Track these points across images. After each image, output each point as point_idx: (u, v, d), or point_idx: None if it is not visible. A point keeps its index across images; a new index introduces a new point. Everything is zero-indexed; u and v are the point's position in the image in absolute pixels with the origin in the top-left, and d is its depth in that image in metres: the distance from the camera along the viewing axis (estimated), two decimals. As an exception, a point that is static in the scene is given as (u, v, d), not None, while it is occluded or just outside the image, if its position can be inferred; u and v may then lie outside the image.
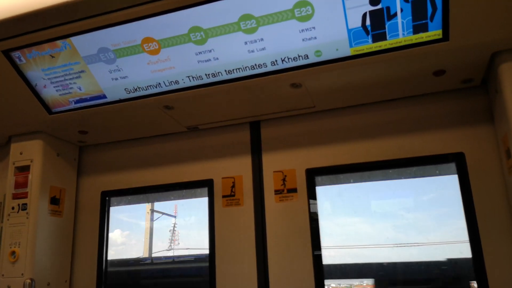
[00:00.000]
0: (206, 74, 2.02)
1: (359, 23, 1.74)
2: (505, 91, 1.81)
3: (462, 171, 2.09)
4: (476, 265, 1.98)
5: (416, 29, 1.73)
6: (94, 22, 1.87)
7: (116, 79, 2.10)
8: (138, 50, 1.95)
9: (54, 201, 2.57)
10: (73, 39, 1.95)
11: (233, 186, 2.50)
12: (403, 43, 1.76)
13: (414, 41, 1.76)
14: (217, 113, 2.41)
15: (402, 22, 1.72)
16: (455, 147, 2.13)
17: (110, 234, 2.79)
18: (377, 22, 1.73)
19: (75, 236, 2.72)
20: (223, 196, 2.50)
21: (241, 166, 2.52)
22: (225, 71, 1.99)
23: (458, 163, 2.11)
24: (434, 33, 1.72)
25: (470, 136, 2.12)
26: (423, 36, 1.74)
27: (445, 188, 2.39)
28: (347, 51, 1.84)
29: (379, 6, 1.68)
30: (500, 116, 1.95)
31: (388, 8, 1.69)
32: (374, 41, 1.78)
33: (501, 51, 1.82)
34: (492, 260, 1.96)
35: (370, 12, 1.70)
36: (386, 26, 1.73)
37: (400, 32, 1.74)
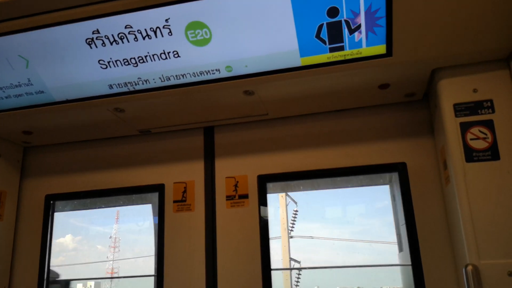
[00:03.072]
0: (158, 78, 2.00)
1: (312, 34, 1.80)
2: (442, 106, 1.92)
3: (404, 181, 2.19)
4: (414, 270, 2.08)
5: (365, 43, 1.80)
6: (42, 19, 1.81)
7: (64, 77, 2.03)
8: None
9: (-6, 204, 2.44)
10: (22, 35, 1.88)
11: (184, 191, 2.48)
12: (349, 57, 1.84)
13: (361, 55, 1.84)
14: (171, 117, 2.39)
15: (353, 36, 1.79)
16: (398, 157, 2.23)
17: (61, 240, 2.69)
18: (331, 34, 1.79)
19: (16, 241, 2.59)
20: (174, 201, 2.48)
21: (194, 171, 2.50)
22: (175, 76, 1.98)
23: (401, 172, 2.21)
24: (379, 48, 1.81)
25: (412, 147, 2.23)
26: (369, 51, 1.82)
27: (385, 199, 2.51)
28: (298, 62, 1.89)
29: (335, 19, 1.74)
30: (438, 129, 2.07)
31: (339, 22, 1.75)
32: (330, 51, 1.83)
33: (441, 68, 1.94)
34: (429, 266, 2.06)
35: (327, 24, 1.76)
36: (344, 39, 1.79)
37: (347, 45, 1.82)
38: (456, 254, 1.99)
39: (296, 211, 3.35)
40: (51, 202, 2.64)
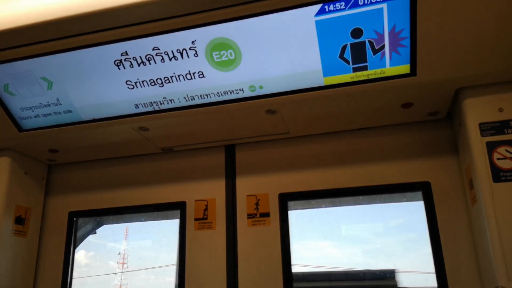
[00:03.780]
0: (183, 97, 2.04)
1: (335, 55, 1.82)
2: (468, 125, 1.91)
3: (428, 200, 2.17)
4: (441, 292, 2.04)
5: (389, 63, 1.82)
6: (72, 42, 1.87)
7: (92, 97, 2.09)
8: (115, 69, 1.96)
9: (19, 220, 2.48)
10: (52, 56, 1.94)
11: (205, 209, 2.49)
12: (372, 76, 1.85)
13: (384, 75, 1.85)
14: (193, 136, 2.42)
15: (377, 56, 1.80)
16: (421, 176, 2.21)
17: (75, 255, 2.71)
18: (354, 54, 1.81)
19: (39, 258, 2.62)
20: (195, 219, 2.48)
21: (215, 189, 2.51)
22: (199, 95, 2.01)
23: (424, 191, 2.19)
24: (403, 67, 1.82)
25: (435, 166, 2.21)
26: (393, 70, 1.83)
27: (413, 214, 2.47)
28: (321, 81, 1.91)
29: (359, 40, 1.76)
30: (463, 148, 2.05)
31: (363, 43, 1.77)
32: (353, 71, 1.85)
33: (465, 88, 1.94)
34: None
35: (351, 44, 1.78)
36: (367, 59, 1.80)
37: (371, 65, 1.83)
38: (484, 276, 1.94)
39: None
40: (74, 219, 2.68)
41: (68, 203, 2.70)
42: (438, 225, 2.11)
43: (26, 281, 2.52)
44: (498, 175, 1.83)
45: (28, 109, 2.19)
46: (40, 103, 2.16)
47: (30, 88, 2.09)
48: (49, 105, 2.16)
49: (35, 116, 2.22)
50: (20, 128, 2.27)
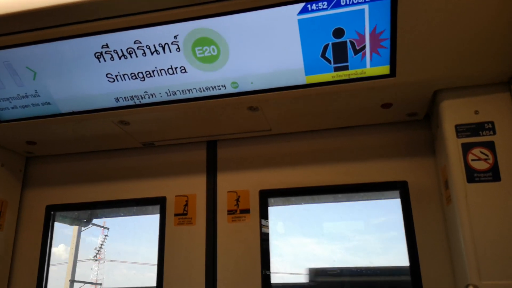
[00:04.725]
0: (165, 92, 2.03)
1: (317, 54, 1.83)
2: (444, 127, 1.95)
3: (405, 199, 2.21)
4: (415, 289, 2.09)
5: (369, 64, 1.84)
6: (53, 33, 1.84)
7: (71, 90, 2.06)
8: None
9: (-6, 213, 2.43)
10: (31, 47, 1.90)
11: (186, 205, 2.49)
12: (353, 76, 1.87)
13: (365, 75, 1.87)
14: (174, 131, 2.41)
15: (357, 56, 1.83)
16: (399, 176, 2.25)
17: (53, 249, 2.67)
18: (336, 54, 1.83)
19: (14, 251, 2.58)
20: (176, 215, 2.48)
21: (196, 185, 2.51)
22: (181, 90, 2.00)
23: (402, 191, 2.23)
24: (383, 68, 1.84)
25: (413, 166, 2.25)
26: (373, 71, 1.86)
27: (390, 212, 2.51)
28: (303, 80, 1.92)
29: (340, 40, 1.78)
30: (440, 149, 2.09)
31: (344, 42, 1.79)
32: (334, 70, 1.87)
33: (442, 90, 1.98)
34: (430, 285, 2.07)
35: (332, 44, 1.79)
36: (348, 59, 1.82)
37: (352, 65, 1.85)
38: (457, 274, 1.99)
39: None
40: (52, 212, 2.64)
41: (45, 197, 2.66)
42: (414, 223, 2.16)
43: (1, 274, 2.47)
44: (472, 176, 1.87)
45: (5, 100, 2.14)
46: (18, 95, 2.11)
47: (8, 79, 2.04)
48: (27, 97, 2.12)
49: (13, 108, 2.17)
50: (-4, 119, 2.22)
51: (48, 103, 2.13)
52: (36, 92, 2.09)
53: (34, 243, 2.58)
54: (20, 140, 2.45)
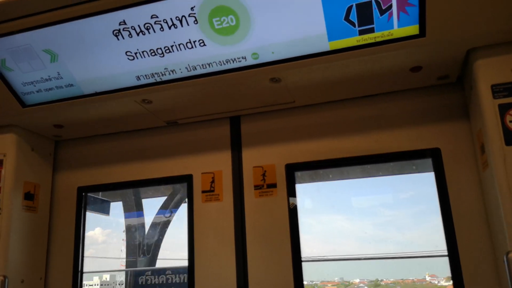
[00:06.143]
0: (185, 68, 2.00)
1: (341, 17, 1.74)
2: (479, 88, 1.84)
3: (438, 167, 2.12)
4: (451, 261, 2.01)
5: (396, 24, 1.74)
6: (69, 12, 1.83)
7: (92, 70, 2.06)
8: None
9: (29, 196, 2.50)
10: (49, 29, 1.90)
11: (212, 182, 2.48)
12: (379, 39, 1.77)
13: (392, 37, 1.77)
14: (197, 108, 2.39)
15: (384, 17, 1.72)
16: (431, 143, 2.15)
17: (91, 232, 2.74)
18: (360, 15, 1.73)
19: (50, 233, 2.66)
20: (203, 192, 2.48)
21: (221, 161, 2.50)
22: (201, 65, 1.96)
23: (434, 158, 2.14)
24: (412, 28, 1.74)
25: (446, 132, 2.15)
26: (401, 32, 1.75)
27: (423, 185, 2.43)
28: (326, 46, 1.84)
29: (365, 0, 1.68)
30: (474, 112, 1.98)
31: (369, 3, 1.69)
32: (359, 34, 1.77)
33: (476, 48, 1.85)
34: (467, 256, 1.99)
35: (356, 5, 1.70)
36: (374, 20, 1.72)
37: (378, 27, 1.75)
38: (496, 242, 1.91)
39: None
40: (83, 194, 2.70)
41: (76, 178, 2.71)
42: (448, 192, 2.07)
43: (39, 256, 2.56)
44: (510, 138, 1.76)
45: (30, 84, 2.17)
46: (41, 78, 2.13)
47: (30, 62, 2.06)
48: (50, 79, 2.13)
49: (37, 91, 2.20)
50: (23, 104, 2.26)
51: (71, 85, 2.14)
52: (59, 74, 2.10)
53: (68, 223, 2.65)
54: (48, 124, 2.49)
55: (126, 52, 1.97)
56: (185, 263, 2.43)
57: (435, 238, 2.18)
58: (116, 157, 2.68)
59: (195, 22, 1.82)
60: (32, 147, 2.57)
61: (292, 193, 2.35)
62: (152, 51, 1.95)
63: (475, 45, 1.84)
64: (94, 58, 2.01)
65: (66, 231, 2.65)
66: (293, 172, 2.38)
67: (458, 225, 2.03)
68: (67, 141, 2.79)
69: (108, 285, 3.59)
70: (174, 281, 3.02)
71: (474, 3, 1.63)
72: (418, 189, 2.56)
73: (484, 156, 1.89)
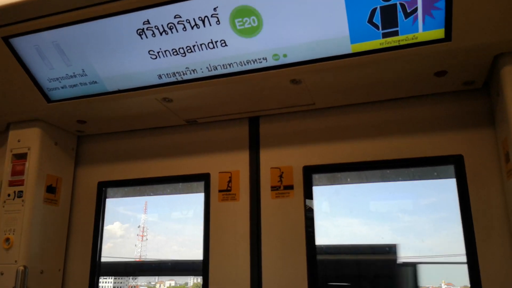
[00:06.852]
0: (206, 67, 2.01)
1: (364, 19, 1.72)
2: (506, 94, 1.79)
3: (460, 174, 2.07)
4: (470, 269, 1.97)
5: (421, 27, 1.71)
6: (95, 11, 1.86)
7: (116, 68, 2.09)
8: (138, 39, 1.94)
9: (50, 189, 2.57)
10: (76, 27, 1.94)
11: (229, 181, 2.49)
12: (403, 42, 1.74)
13: (417, 40, 1.74)
14: (217, 107, 2.40)
15: (409, 20, 1.70)
16: (454, 149, 2.11)
17: (109, 227, 2.79)
18: (385, 18, 1.71)
19: (70, 225, 2.72)
20: (220, 191, 2.49)
21: (239, 161, 2.50)
22: (222, 65, 1.97)
23: (457, 165, 2.09)
24: (437, 32, 1.70)
25: (469, 138, 2.10)
26: (426, 35, 1.72)
27: (443, 192, 2.37)
28: (348, 48, 1.82)
29: (389, 2, 1.65)
30: (500, 119, 1.93)
31: (394, 5, 1.67)
32: (383, 37, 1.75)
33: (504, 54, 1.80)
34: (487, 265, 1.94)
35: (381, 8, 1.67)
36: (399, 23, 1.70)
37: (402, 30, 1.72)
38: (518, 253, 1.86)
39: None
40: (103, 188, 2.75)
41: (97, 173, 2.77)
42: (470, 200, 2.02)
43: (59, 248, 2.62)
44: (538, 147, 1.71)
45: (55, 80, 2.22)
46: (66, 74, 2.18)
47: (56, 59, 2.11)
48: (75, 76, 2.18)
49: (62, 87, 2.25)
50: (48, 99, 2.31)
51: (95, 82, 2.18)
52: (84, 71, 2.15)
53: (88, 217, 2.71)
54: (71, 119, 2.54)
55: (149, 51, 1.99)
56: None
57: (454, 246, 2.13)
58: (136, 154, 2.72)
59: (218, 22, 1.83)
60: (55, 142, 2.63)
61: (309, 195, 2.33)
62: (174, 50, 1.97)
63: (503, 51, 1.79)
64: (118, 56, 2.04)
65: (85, 225, 2.70)
66: (311, 174, 2.37)
67: (479, 233, 1.98)
68: (90, 137, 2.85)
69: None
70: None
71: (502, 8, 1.58)
72: (440, 195, 2.51)
73: (509, 165, 1.84)
